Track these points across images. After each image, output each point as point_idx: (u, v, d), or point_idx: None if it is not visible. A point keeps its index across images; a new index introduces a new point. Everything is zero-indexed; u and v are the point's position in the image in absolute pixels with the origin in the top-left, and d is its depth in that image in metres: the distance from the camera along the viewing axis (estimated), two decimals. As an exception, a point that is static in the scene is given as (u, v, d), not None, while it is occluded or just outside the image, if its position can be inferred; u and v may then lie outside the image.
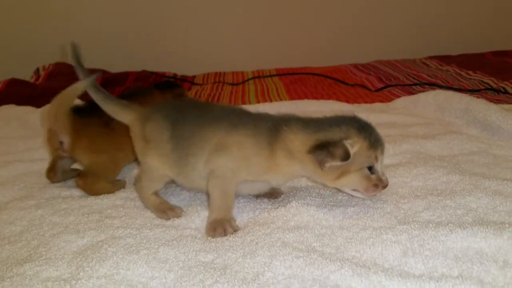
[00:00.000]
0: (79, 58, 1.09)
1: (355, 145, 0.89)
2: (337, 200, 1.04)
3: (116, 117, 1.09)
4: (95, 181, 1.15)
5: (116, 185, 1.19)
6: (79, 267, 0.82)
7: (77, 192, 1.18)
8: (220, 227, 0.90)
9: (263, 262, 0.79)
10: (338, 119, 0.94)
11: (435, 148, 1.31)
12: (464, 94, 1.66)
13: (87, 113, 1.18)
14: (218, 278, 0.75)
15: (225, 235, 0.89)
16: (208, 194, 0.98)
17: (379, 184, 0.93)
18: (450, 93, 1.70)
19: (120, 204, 1.09)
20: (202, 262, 0.81)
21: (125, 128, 1.11)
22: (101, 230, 0.95)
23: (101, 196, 1.14)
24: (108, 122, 1.16)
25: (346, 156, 0.87)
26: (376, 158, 0.92)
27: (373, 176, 0.93)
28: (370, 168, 0.92)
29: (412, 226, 0.87)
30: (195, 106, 1.07)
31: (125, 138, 1.12)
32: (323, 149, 0.88)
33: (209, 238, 0.90)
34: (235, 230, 0.92)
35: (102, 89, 1.09)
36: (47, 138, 1.21)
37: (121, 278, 0.78)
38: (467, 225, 0.84)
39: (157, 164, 1.03)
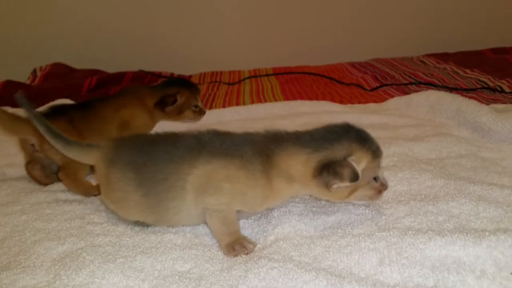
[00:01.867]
0: (29, 106, 0.99)
1: (361, 161, 0.85)
2: (320, 205, 1.03)
3: (80, 160, 1.03)
4: (74, 171, 1.20)
5: (97, 188, 1.18)
6: (56, 275, 0.82)
7: (62, 196, 1.19)
8: (238, 245, 0.86)
9: (238, 276, 0.78)
10: (334, 132, 0.88)
11: (424, 151, 1.29)
12: (457, 95, 1.64)
13: (50, 115, 1.24)
14: (192, 289, 0.75)
15: (248, 251, 0.86)
16: (209, 228, 0.93)
17: (382, 189, 0.91)
18: (442, 93, 1.68)
19: (103, 209, 1.09)
20: (178, 272, 0.81)
21: (87, 127, 1.20)
22: (81, 237, 0.95)
23: (85, 201, 1.14)
24: (70, 120, 1.25)
25: (355, 177, 0.83)
26: (379, 166, 0.89)
27: (378, 184, 0.90)
28: (375, 177, 0.90)
29: (391, 233, 0.86)
30: (160, 141, 0.96)
31: (89, 136, 1.22)
32: (329, 171, 0.83)
33: (230, 257, 0.86)
34: (254, 245, 0.88)
35: (62, 134, 1.00)
36: (20, 147, 1.28)
37: (96, 287, 0.78)
38: (447, 232, 0.83)
39: (123, 213, 0.97)
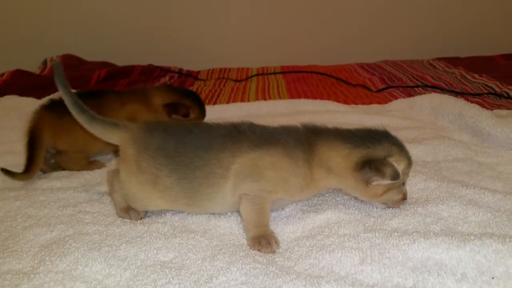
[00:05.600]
0: (62, 77, 0.97)
1: (400, 164, 0.89)
2: (311, 204, 1.02)
3: (104, 138, 1.00)
4: (71, 154, 1.28)
5: (93, 164, 1.28)
6: (41, 260, 0.83)
7: (57, 184, 1.20)
8: (264, 240, 0.85)
9: (220, 267, 0.79)
10: (375, 133, 0.93)
11: (421, 153, 1.28)
12: (459, 99, 1.62)
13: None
14: (171, 279, 0.76)
15: (272, 251, 0.84)
16: (241, 216, 0.92)
17: (404, 196, 0.95)
18: (445, 97, 1.66)
19: (96, 199, 1.10)
20: (160, 261, 0.82)
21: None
22: (71, 225, 0.96)
23: (79, 189, 1.16)
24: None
25: (396, 176, 0.86)
26: (408, 174, 0.94)
27: (403, 190, 0.95)
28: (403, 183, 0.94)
29: (376, 234, 0.85)
30: (195, 128, 0.96)
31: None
32: (371, 167, 0.87)
33: (253, 250, 0.85)
34: (278, 246, 0.86)
35: (87, 109, 0.98)
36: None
37: (78, 274, 0.79)
38: (432, 235, 0.83)
39: (145, 196, 0.95)
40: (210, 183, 0.90)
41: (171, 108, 1.47)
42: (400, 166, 0.88)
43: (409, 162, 0.92)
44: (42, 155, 1.22)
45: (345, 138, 0.91)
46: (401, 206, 0.96)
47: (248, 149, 0.89)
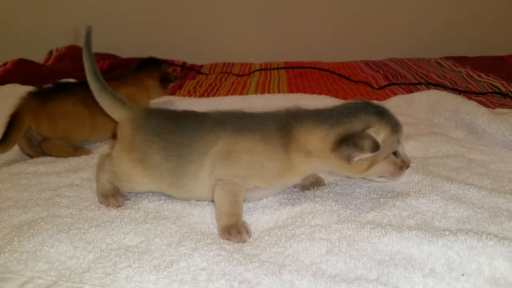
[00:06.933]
0: (89, 43, 1.04)
1: (380, 133, 0.86)
2: (290, 197, 1.00)
3: (108, 111, 1.04)
4: (57, 141, 1.29)
5: (79, 151, 1.30)
6: (10, 240, 0.83)
7: (42, 169, 1.20)
8: (235, 229, 0.83)
9: (184, 252, 0.78)
10: (353, 107, 0.90)
11: (411, 149, 1.25)
12: (457, 95, 1.58)
13: (64, 88, 1.38)
14: (132, 263, 0.75)
15: (242, 240, 0.82)
16: (215, 202, 0.90)
17: (404, 166, 0.92)
18: (443, 93, 1.62)
19: (77, 184, 1.11)
20: (126, 246, 0.81)
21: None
22: (46, 207, 0.96)
23: (62, 174, 1.16)
24: (81, 96, 1.33)
25: (376, 147, 0.84)
26: (398, 141, 0.90)
27: (398, 160, 0.91)
28: (395, 152, 0.90)
29: (348, 225, 0.83)
30: (190, 114, 0.99)
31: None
32: (348, 144, 0.84)
33: (223, 240, 0.83)
34: (249, 235, 0.84)
35: (102, 79, 1.02)
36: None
37: (43, 255, 0.78)
38: (405, 228, 0.80)
39: (134, 175, 0.96)
40: (193, 160, 0.91)
41: (166, 80, 1.68)
42: (380, 135, 0.85)
43: (394, 128, 0.88)
44: (19, 135, 1.23)
45: (322, 118, 0.89)
46: (402, 175, 0.94)
47: (229, 133, 0.91)
